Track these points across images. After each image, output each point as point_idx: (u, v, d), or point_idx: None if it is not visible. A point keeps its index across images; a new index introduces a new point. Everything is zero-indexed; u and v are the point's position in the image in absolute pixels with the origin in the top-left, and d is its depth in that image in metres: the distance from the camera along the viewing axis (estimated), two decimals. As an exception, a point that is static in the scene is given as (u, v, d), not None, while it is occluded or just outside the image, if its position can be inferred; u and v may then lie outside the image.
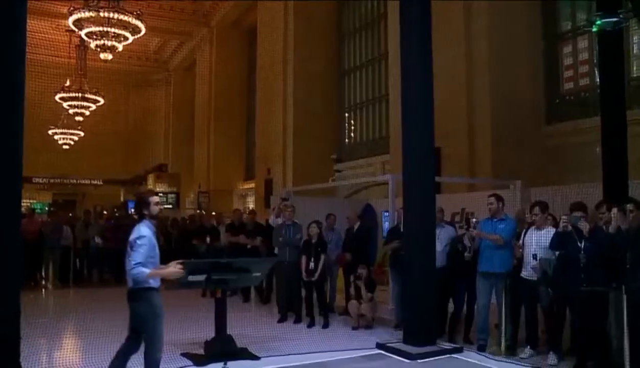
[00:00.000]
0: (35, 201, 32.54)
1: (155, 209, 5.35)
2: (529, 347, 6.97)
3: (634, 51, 13.41)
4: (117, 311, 10.13)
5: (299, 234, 9.56)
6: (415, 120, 7.81)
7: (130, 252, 5.09)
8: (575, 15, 14.78)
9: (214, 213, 17.67)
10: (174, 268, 5.29)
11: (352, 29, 22.37)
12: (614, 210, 6.46)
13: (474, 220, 7.62)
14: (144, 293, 5.12)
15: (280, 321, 9.42)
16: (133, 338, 5.27)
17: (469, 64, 14.55)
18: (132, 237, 5.15)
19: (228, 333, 7.08)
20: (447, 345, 7.40)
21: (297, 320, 9.30)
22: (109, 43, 18.72)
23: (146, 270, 5.02)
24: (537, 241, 6.84)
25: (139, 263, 5.00)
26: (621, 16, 8.76)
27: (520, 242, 7.06)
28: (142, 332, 5.16)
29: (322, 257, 9.23)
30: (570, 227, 6.39)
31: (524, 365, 6.70)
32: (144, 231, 5.15)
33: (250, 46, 28.64)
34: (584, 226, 6.28)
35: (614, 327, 6.14)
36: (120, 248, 14.70)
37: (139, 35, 19.39)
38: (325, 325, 9.09)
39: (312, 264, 9.13)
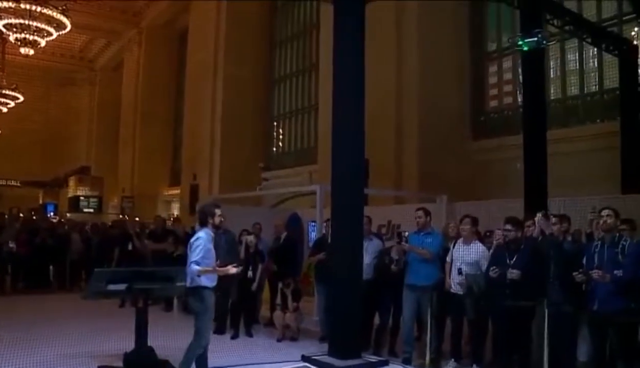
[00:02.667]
0: (-58, 202, 30.78)
1: (217, 220, 6.14)
2: (453, 359, 7.05)
3: (552, 75, 14.08)
4: (27, 321, 9.71)
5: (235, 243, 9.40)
6: (346, 130, 7.77)
7: (189, 253, 5.87)
8: (501, 37, 15.35)
9: (137, 219, 17.18)
10: (232, 269, 6.12)
11: (285, 37, 22.37)
12: (539, 215, 6.78)
13: (406, 233, 7.62)
14: (197, 291, 5.85)
15: (203, 332, 9.17)
16: None
17: (399, 77, 14.79)
18: (192, 240, 6.00)
19: (149, 344, 6.79)
20: (372, 358, 7.38)
21: (221, 331, 9.08)
22: (31, 37, 17.96)
23: (197, 267, 5.74)
24: (463, 255, 6.94)
25: (194, 261, 5.76)
26: (540, 36, 9.19)
27: (449, 257, 7.14)
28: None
29: (260, 266, 9.23)
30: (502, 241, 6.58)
31: (447, 378, 6.79)
32: (201, 235, 5.95)
33: (180, 49, 28.19)
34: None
35: (535, 339, 6.28)
36: (36, 253, 14.04)
37: (63, 32, 18.72)
38: (249, 336, 8.95)
39: (250, 273, 9.03)
